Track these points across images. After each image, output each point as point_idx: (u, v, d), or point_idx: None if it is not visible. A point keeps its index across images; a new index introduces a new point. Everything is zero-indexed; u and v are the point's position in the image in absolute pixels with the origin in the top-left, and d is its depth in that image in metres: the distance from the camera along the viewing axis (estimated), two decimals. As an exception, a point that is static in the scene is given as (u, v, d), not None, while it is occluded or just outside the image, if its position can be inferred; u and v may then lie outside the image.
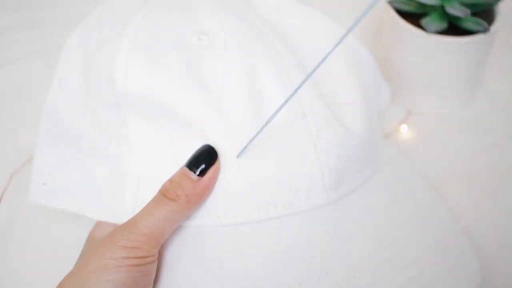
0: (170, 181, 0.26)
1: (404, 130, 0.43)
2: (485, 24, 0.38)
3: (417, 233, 0.29)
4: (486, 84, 0.47)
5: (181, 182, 0.26)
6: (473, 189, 0.39)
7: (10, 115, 0.46)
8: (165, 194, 0.26)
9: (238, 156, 0.27)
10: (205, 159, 0.27)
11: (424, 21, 0.39)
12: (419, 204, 0.32)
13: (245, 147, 0.27)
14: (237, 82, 0.28)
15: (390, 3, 0.41)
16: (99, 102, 0.30)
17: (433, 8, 0.40)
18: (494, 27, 0.39)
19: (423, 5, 0.40)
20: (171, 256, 0.27)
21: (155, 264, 0.25)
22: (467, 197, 0.38)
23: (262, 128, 0.26)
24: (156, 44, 0.30)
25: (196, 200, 0.26)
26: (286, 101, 0.24)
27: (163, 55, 0.29)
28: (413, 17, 0.40)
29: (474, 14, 0.39)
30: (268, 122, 0.25)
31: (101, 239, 0.26)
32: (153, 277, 0.25)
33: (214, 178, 0.27)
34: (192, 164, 0.27)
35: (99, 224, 0.30)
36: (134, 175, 0.28)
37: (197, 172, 0.26)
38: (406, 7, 0.41)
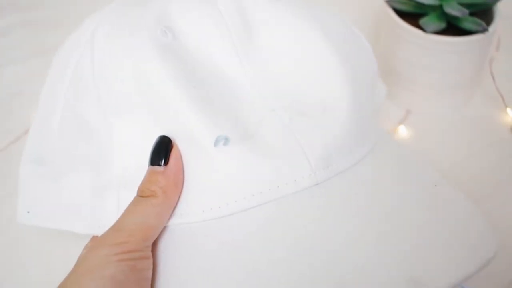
0: (142, 183, 0.27)
1: (403, 130, 0.44)
2: (483, 24, 0.38)
3: (431, 217, 0.27)
4: (484, 83, 0.47)
5: (150, 179, 0.26)
6: (473, 189, 0.39)
7: (10, 115, 0.46)
8: (141, 194, 0.26)
9: (215, 145, 0.26)
10: (162, 149, 0.27)
11: (422, 21, 0.39)
12: (428, 185, 0.29)
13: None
14: (210, 70, 0.28)
15: (389, 2, 0.41)
16: (83, 103, 0.30)
17: (431, 8, 0.40)
18: (492, 27, 0.39)
19: (421, 5, 0.40)
20: (163, 262, 0.27)
21: (147, 261, 0.25)
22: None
23: None
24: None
25: (173, 189, 0.27)
26: None
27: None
28: (412, 17, 0.40)
29: (472, 14, 0.39)
30: None
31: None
32: (147, 274, 0.25)
33: (179, 161, 0.27)
34: (153, 159, 0.27)
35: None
36: (115, 181, 0.28)
37: (161, 164, 0.27)
38: (404, 7, 0.41)
